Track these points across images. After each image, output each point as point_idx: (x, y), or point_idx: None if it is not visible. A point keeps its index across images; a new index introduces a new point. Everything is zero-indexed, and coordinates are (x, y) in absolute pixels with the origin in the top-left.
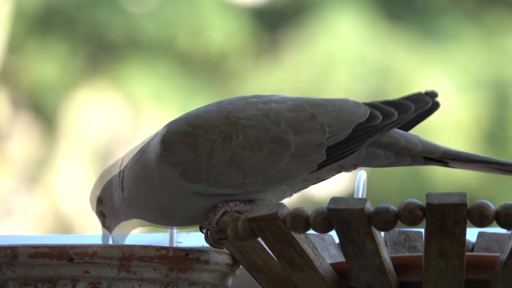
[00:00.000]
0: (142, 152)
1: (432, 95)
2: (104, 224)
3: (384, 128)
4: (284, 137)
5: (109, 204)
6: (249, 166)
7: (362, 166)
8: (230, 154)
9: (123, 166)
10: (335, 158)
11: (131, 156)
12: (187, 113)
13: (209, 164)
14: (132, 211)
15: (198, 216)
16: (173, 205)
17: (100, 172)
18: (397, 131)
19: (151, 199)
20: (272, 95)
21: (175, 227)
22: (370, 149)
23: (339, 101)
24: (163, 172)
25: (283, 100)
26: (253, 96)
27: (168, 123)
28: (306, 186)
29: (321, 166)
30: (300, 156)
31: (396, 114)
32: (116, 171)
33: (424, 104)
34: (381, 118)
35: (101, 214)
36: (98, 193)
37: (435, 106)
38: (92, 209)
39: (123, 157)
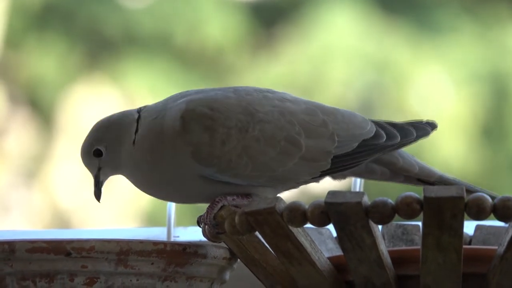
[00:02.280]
0: (160, 116)
1: (432, 125)
2: (97, 178)
3: (386, 148)
4: (297, 138)
5: (111, 151)
6: (260, 160)
7: (354, 177)
8: (244, 144)
9: (141, 117)
10: (338, 169)
11: (149, 112)
12: (204, 91)
13: (222, 150)
14: (133, 165)
15: (195, 198)
16: (176, 181)
17: (97, 122)
18: (397, 151)
19: (157, 168)
20: (284, 93)
21: (166, 201)
22: (369, 164)
23: (348, 112)
24: (176, 148)
25: (296, 101)
26: (267, 91)
27: (188, 99)
28: (296, 187)
29: (323, 173)
30: (308, 160)
31: (399, 137)
32: (131, 113)
33: (424, 133)
34: (385, 138)
35: (96, 168)
36: (96, 145)
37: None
38: (84, 161)
39: (138, 109)
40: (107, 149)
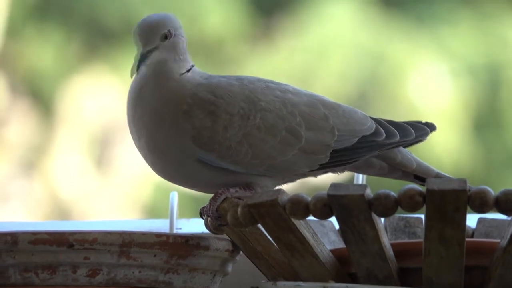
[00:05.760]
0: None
1: (431, 127)
2: (145, 56)
3: (385, 146)
4: (298, 129)
5: (170, 49)
6: (260, 148)
7: (353, 172)
8: (245, 132)
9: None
10: (337, 163)
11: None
12: (207, 77)
13: (224, 136)
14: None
15: (192, 183)
16: (174, 163)
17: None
18: None
19: (157, 136)
20: (287, 85)
21: (162, 177)
22: (368, 158)
23: (349, 108)
24: (179, 129)
25: (298, 93)
26: (270, 81)
27: (193, 83)
28: (294, 181)
29: (321, 167)
30: (307, 152)
31: (398, 136)
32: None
33: (423, 134)
34: (384, 136)
35: (153, 46)
36: (169, 28)
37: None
38: (148, 32)
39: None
40: (172, 40)
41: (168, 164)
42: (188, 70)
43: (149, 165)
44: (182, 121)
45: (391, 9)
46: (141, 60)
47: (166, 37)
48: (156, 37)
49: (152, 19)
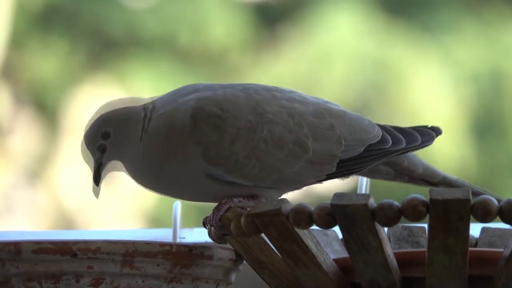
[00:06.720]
0: (169, 111)
1: (437, 131)
2: (98, 161)
3: (392, 153)
4: (305, 141)
5: (119, 140)
6: (267, 161)
7: (359, 176)
8: (252, 145)
9: (149, 108)
10: (343, 173)
11: (159, 107)
12: (213, 88)
13: (231, 150)
14: (140, 161)
15: (200, 197)
16: (182, 179)
17: (103, 106)
18: None
19: (165, 164)
20: (292, 91)
21: (169, 196)
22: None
23: (355, 116)
24: (186, 146)
25: (304, 101)
26: (275, 89)
27: (197, 96)
28: (300, 188)
29: (328, 177)
30: (314, 163)
31: (404, 142)
32: (137, 110)
33: (429, 139)
34: (391, 143)
35: (101, 149)
36: (105, 127)
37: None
38: (89, 141)
39: (143, 106)
40: (115, 134)
41: (179, 183)
42: (146, 118)
43: (152, 188)
44: (189, 138)
45: (394, 17)
46: (97, 168)
47: (107, 137)
48: (96, 147)
49: (88, 129)
